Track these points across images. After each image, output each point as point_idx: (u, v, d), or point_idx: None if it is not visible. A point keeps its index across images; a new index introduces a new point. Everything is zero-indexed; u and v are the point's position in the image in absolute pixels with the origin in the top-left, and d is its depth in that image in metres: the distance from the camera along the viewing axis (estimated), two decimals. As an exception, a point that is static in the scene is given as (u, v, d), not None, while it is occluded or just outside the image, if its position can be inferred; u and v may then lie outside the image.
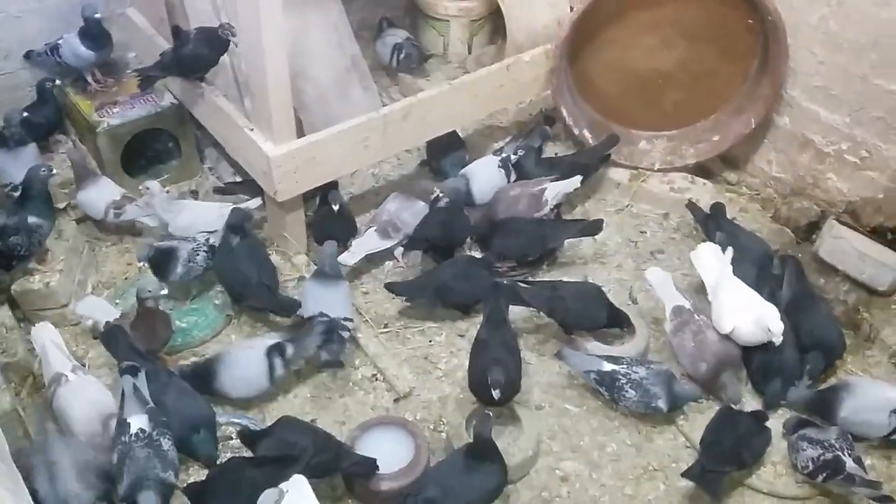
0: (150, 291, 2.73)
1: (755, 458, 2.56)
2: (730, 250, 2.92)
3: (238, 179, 3.56)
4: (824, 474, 2.46)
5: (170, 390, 2.55)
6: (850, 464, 2.45)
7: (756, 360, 2.80)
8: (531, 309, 2.99)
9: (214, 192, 3.55)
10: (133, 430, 2.35)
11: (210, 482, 2.38)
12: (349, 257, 3.14)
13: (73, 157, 3.29)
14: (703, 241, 3.11)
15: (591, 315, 2.89)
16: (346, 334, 2.79)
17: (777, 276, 2.99)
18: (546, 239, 3.20)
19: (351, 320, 2.84)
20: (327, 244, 2.97)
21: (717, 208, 3.25)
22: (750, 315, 2.71)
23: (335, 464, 2.41)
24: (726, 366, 2.74)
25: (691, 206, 3.31)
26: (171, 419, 2.44)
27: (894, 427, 2.54)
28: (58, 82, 3.47)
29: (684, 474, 2.46)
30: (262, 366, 2.68)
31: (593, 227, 3.23)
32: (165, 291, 2.87)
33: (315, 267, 3.03)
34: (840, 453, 2.47)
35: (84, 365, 2.84)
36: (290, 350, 2.71)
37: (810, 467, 2.48)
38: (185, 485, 2.40)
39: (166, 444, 2.36)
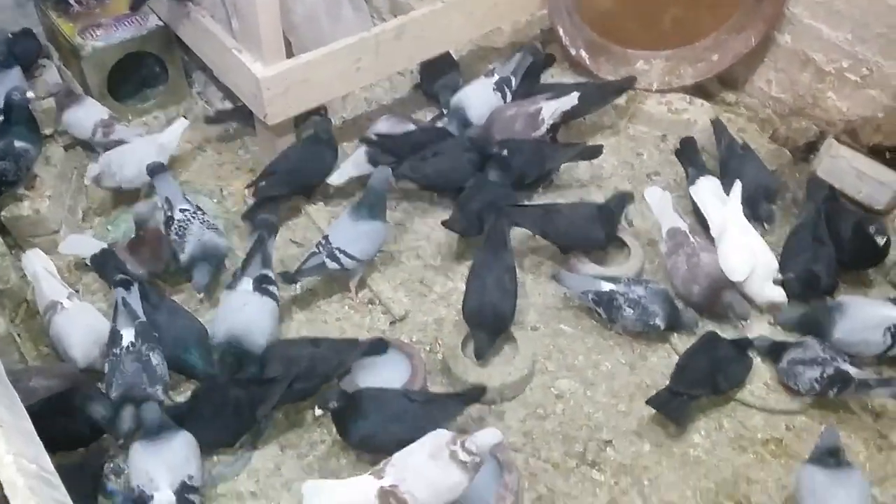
0: (147, 212, 2.69)
1: (731, 385, 2.56)
2: (737, 184, 2.86)
3: (228, 106, 3.49)
4: (835, 389, 2.46)
5: (162, 309, 2.55)
6: (853, 370, 2.47)
7: None
8: (528, 232, 2.97)
9: (206, 122, 3.48)
10: (125, 342, 2.37)
11: (194, 401, 2.40)
12: (336, 177, 3.11)
13: (51, 82, 3.22)
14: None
15: (588, 235, 2.87)
16: (334, 265, 2.75)
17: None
18: (544, 160, 3.16)
19: (355, 259, 2.76)
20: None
21: (687, 142, 3.16)
22: (761, 270, 2.71)
23: (338, 369, 2.44)
24: (721, 287, 2.74)
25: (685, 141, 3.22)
26: (164, 337, 2.45)
27: (889, 344, 2.54)
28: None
29: (648, 402, 2.46)
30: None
31: (592, 152, 3.19)
32: (160, 205, 2.81)
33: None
34: (838, 364, 2.48)
35: (78, 291, 2.83)
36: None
37: (817, 388, 2.48)
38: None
39: (156, 358, 2.38)
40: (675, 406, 2.46)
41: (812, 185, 3.04)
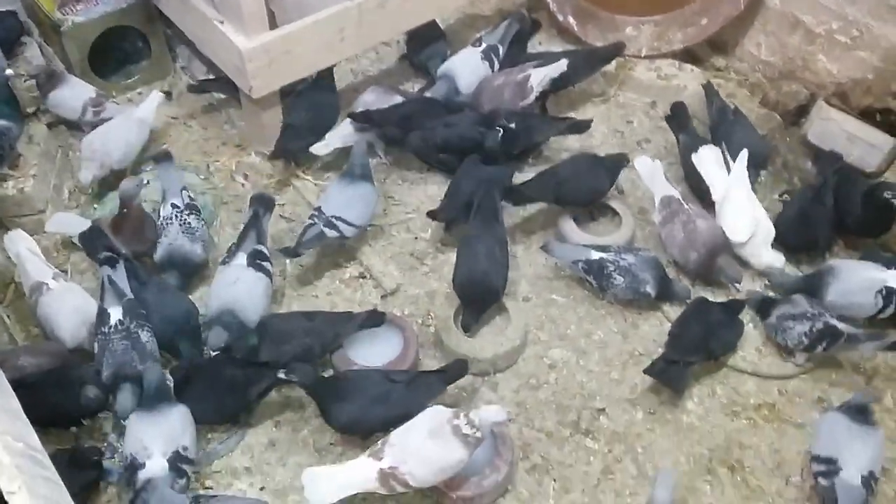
0: (135, 188, 2.65)
1: (724, 350, 2.57)
2: (744, 153, 2.85)
3: (211, 77, 3.45)
4: (824, 343, 2.48)
5: (151, 287, 2.53)
6: (841, 325, 2.48)
7: None
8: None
9: (189, 90, 3.44)
10: (112, 321, 2.36)
11: (190, 376, 2.39)
12: (321, 147, 3.08)
13: (33, 60, 3.14)
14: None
15: (596, 186, 2.89)
16: (333, 233, 2.74)
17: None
18: (531, 132, 3.13)
19: (352, 225, 2.76)
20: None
21: (678, 108, 3.14)
22: (760, 234, 2.74)
23: (334, 342, 2.44)
24: (718, 253, 2.74)
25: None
26: (152, 316, 2.44)
27: (880, 306, 2.55)
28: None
29: (646, 371, 2.47)
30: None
31: (581, 126, 3.15)
32: (146, 181, 2.76)
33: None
34: (827, 318, 2.50)
35: (66, 271, 2.81)
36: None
37: (806, 342, 2.50)
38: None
39: (145, 336, 2.37)
40: (671, 373, 2.46)
41: (822, 157, 3.02)
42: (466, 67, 3.30)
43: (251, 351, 2.42)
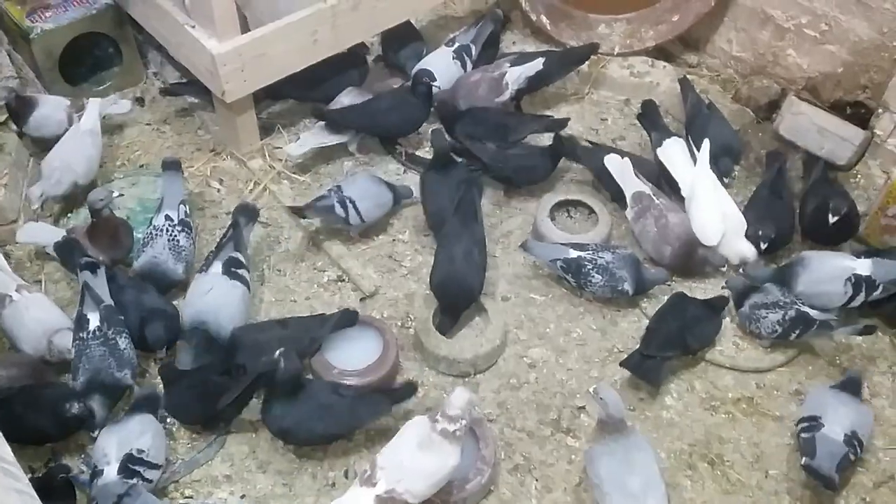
0: (102, 200, 2.63)
1: (702, 344, 2.58)
2: (706, 144, 2.87)
3: (184, 80, 3.42)
4: (797, 331, 2.52)
5: (130, 290, 2.52)
6: (813, 312, 2.52)
7: None
8: (494, 203, 2.99)
9: (161, 93, 3.42)
10: (91, 326, 2.35)
11: (174, 388, 2.38)
12: (296, 148, 3.07)
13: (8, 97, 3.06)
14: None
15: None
16: (341, 212, 2.79)
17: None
18: (508, 130, 3.13)
19: (359, 215, 2.82)
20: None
21: (649, 105, 3.18)
22: (731, 227, 2.76)
23: (310, 347, 2.44)
24: (692, 246, 2.76)
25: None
26: (131, 317, 2.44)
27: (850, 294, 2.58)
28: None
29: (622, 364, 2.49)
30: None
31: (558, 125, 3.16)
32: (117, 194, 2.73)
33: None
34: (798, 306, 2.53)
35: (40, 281, 2.78)
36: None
37: (779, 330, 2.53)
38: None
39: (123, 342, 2.36)
40: (647, 368, 2.47)
41: (769, 155, 3.06)
42: (438, 67, 3.30)
43: (225, 365, 2.41)
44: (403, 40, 3.48)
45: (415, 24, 3.59)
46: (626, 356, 2.53)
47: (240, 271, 2.58)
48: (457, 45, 3.35)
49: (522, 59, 3.27)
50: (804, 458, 2.21)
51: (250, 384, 2.27)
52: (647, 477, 2.09)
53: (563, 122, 3.16)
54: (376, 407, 2.32)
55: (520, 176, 3.04)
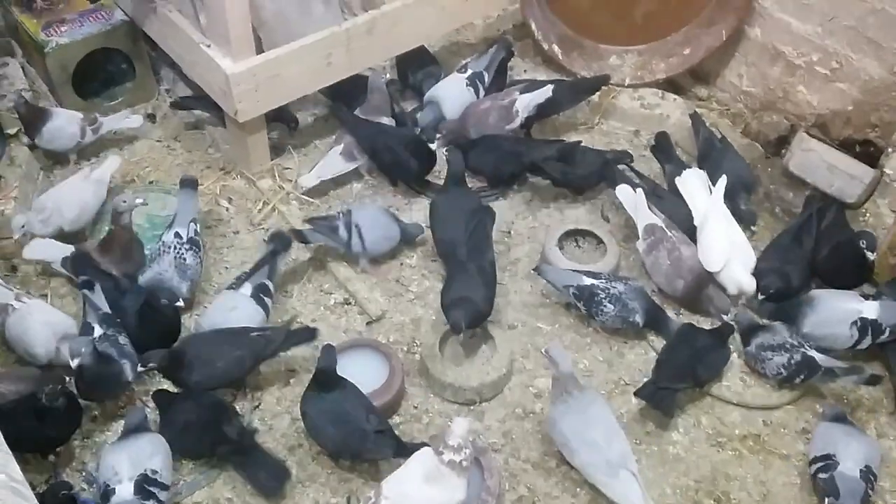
0: (125, 203, 2.63)
1: (712, 375, 2.58)
2: (723, 178, 2.87)
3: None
4: (801, 376, 2.50)
5: (132, 295, 2.57)
6: (819, 357, 2.50)
7: None
8: (502, 231, 3.00)
9: (171, 106, 3.43)
10: (96, 334, 2.42)
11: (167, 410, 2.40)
12: (308, 179, 3.08)
13: (17, 102, 3.07)
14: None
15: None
16: (344, 235, 2.81)
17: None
18: (521, 156, 3.14)
19: (363, 243, 2.83)
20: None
21: (662, 137, 3.19)
22: (739, 261, 2.74)
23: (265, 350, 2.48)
24: (705, 281, 2.75)
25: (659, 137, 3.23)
26: (128, 319, 2.51)
27: (857, 338, 2.57)
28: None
29: (636, 393, 2.48)
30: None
31: (570, 149, 3.17)
32: (141, 201, 2.72)
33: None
34: (805, 350, 2.52)
35: (46, 296, 2.77)
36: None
37: (784, 373, 2.52)
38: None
39: (123, 339, 2.43)
40: (661, 397, 2.46)
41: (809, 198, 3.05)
42: (451, 93, 3.32)
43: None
44: (421, 62, 3.50)
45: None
46: (632, 389, 2.52)
47: (266, 299, 2.63)
48: (469, 71, 3.37)
49: (532, 86, 3.29)
50: (828, 500, 2.21)
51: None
52: (606, 427, 2.27)
53: (576, 146, 3.16)
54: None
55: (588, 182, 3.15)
